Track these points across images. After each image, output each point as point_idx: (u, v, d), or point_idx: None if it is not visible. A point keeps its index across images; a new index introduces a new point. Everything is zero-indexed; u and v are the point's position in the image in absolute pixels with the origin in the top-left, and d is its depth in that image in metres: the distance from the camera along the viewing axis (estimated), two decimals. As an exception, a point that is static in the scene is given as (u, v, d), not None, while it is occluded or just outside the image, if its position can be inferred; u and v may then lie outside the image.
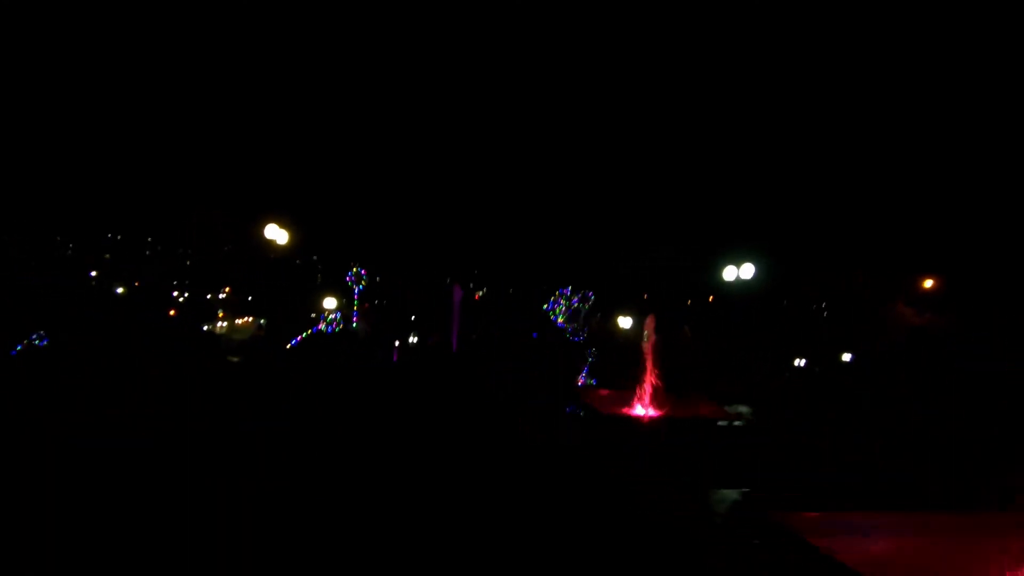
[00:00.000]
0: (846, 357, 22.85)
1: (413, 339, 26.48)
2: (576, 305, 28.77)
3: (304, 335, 22.35)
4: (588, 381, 19.39)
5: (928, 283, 24.67)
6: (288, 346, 20.60)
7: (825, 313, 28.71)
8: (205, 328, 22.47)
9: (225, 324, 24.25)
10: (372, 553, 5.71)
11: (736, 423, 13.07)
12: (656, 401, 13.90)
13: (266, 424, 10.83)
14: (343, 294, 25.83)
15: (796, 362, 22.97)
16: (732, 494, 6.69)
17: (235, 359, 17.44)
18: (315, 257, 33.27)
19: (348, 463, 8.68)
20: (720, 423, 12.86)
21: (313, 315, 25.42)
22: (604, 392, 16.61)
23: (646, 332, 14.98)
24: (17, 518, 6.05)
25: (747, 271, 21.01)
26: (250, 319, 25.22)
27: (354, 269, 25.19)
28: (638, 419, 13.38)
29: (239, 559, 5.52)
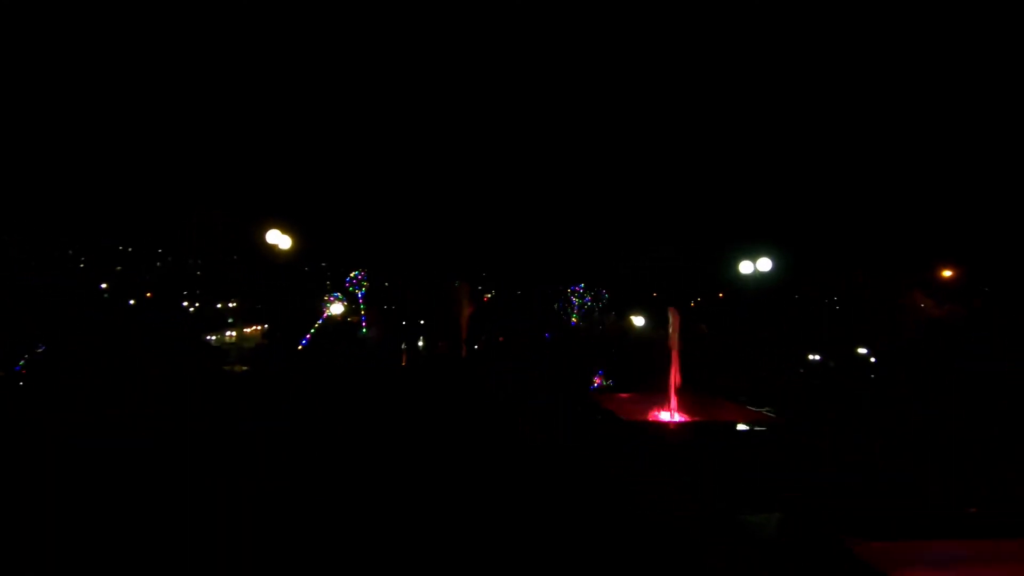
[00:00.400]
0: (862, 351, 22.55)
1: (421, 343, 26.32)
2: (589, 304, 28.43)
3: (308, 338, 22.26)
4: (605, 383, 18.60)
5: (947, 273, 24.37)
6: (293, 349, 20.53)
7: (838, 308, 28.48)
8: (210, 338, 22.45)
9: (235, 333, 24.29)
10: (372, 553, 5.71)
11: (758, 427, 12.23)
12: (682, 405, 13.20)
13: (266, 424, 10.83)
14: (350, 299, 25.81)
15: (811, 357, 22.68)
16: (797, 520, 6.37)
17: (243, 368, 17.29)
18: (324, 264, 33.11)
19: (349, 463, 8.69)
20: (740, 427, 12.15)
21: (319, 321, 25.36)
22: (624, 396, 15.71)
23: (671, 328, 13.98)
24: (17, 518, 6.05)
25: (764, 264, 20.78)
26: (258, 327, 25.20)
27: (352, 274, 24.98)
28: (665, 425, 12.57)
29: (239, 559, 5.52)
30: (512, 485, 7.77)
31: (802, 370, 21.21)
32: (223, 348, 21.33)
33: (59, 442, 8.59)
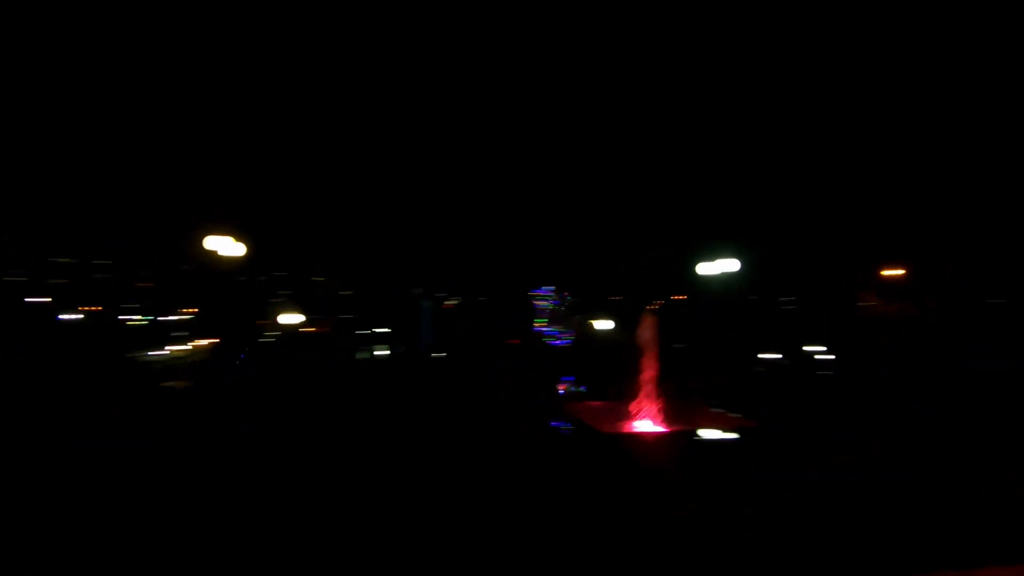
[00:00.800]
0: (812, 349, 22.56)
1: (380, 352, 25.34)
2: (555, 307, 27.91)
3: (256, 349, 21.36)
4: (576, 389, 17.46)
5: (894, 273, 24.65)
6: (239, 362, 19.54)
7: (793, 307, 28.61)
8: (161, 352, 21.67)
9: (186, 347, 23.46)
10: (372, 552, 5.71)
11: (741, 433, 11.64)
12: (661, 413, 12.49)
13: (266, 424, 10.86)
14: (308, 309, 25.10)
15: (767, 356, 22.55)
16: (845, 557, 6.04)
17: (182, 383, 16.29)
18: (285, 273, 31.89)
19: (348, 463, 8.69)
20: (703, 435, 11.54)
21: (273, 332, 24.48)
22: (596, 404, 14.69)
23: (645, 332, 13.12)
24: (17, 518, 6.05)
25: (728, 265, 20.57)
26: (210, 341, 24.19)
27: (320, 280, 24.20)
28: (644, 437, 11.77)
29: (239, 558, 5.52)
30: (512, 485, 7.77)
31: (761, 368, 21.17)
32: (172, 363, 20.60)
33: (59, 442, 8.61)
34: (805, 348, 22.53)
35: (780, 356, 22.12)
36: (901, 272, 24.28)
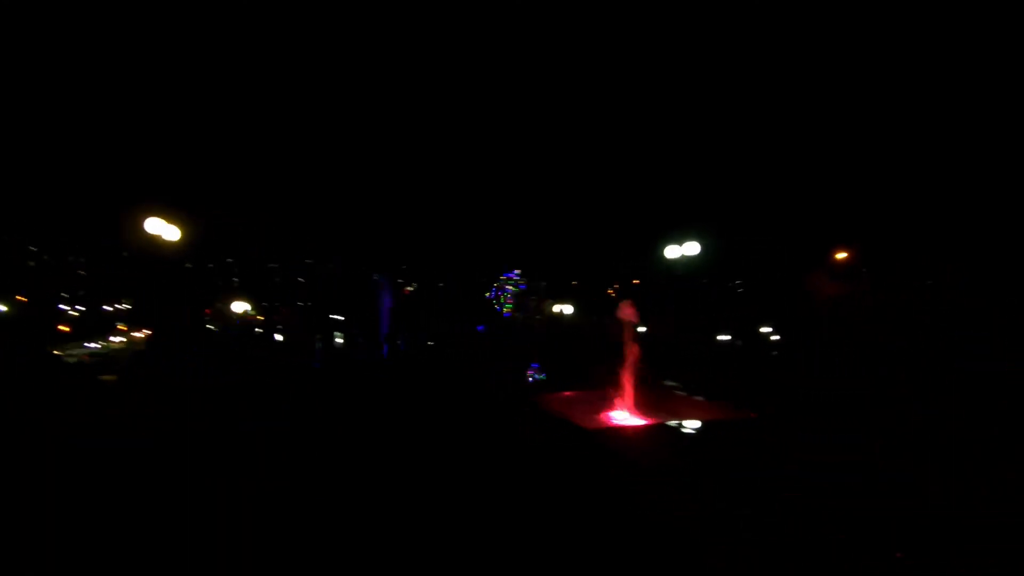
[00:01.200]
0: (765, 329, 22.62)
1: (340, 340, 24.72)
2: (524, 291, 27.43)
3: (209, 343, 20.67)
4: (539, 377, 16.32)
5: (840, 255, 25.04)
6: (185, 358, 18.79)
7: (743, 290, 28.77)
8: (94, 345, 20.95)
9: (122, 339, 22.65)
10: (372, 553, 5.71)
11: (731, 424, 11.18)
12: (640, 403, 11.56)
13: (266, 424, 10.85)
14: (257, 297, 24.49)
15: (730, 339, 22.54)
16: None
17: (110, 377, 15.52)
18: (229, 260, 30.70)
19: (348, 463, 8.69)
20: (704, 425, 10.87)
21: (219, 322, 23.71)
22: (568, 394, 13.49)
23: (624, 319, 12.32)
24: (17, 518, 6.05)
25: (691, 248, 20.24)
26: (146, 333, 23.20)
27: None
28: (628, 431, 10.80)
29: (239, 559, 5.52)
30: (512, 485, 7.77)
31: (728, 353, 21.22)
32: (107, 356, 19.86)
33: (59, 442, 8.61)
34: (763, 330, 22.76)
35: (740, 341, 22.22)
36: (848, 255, 24.74)
